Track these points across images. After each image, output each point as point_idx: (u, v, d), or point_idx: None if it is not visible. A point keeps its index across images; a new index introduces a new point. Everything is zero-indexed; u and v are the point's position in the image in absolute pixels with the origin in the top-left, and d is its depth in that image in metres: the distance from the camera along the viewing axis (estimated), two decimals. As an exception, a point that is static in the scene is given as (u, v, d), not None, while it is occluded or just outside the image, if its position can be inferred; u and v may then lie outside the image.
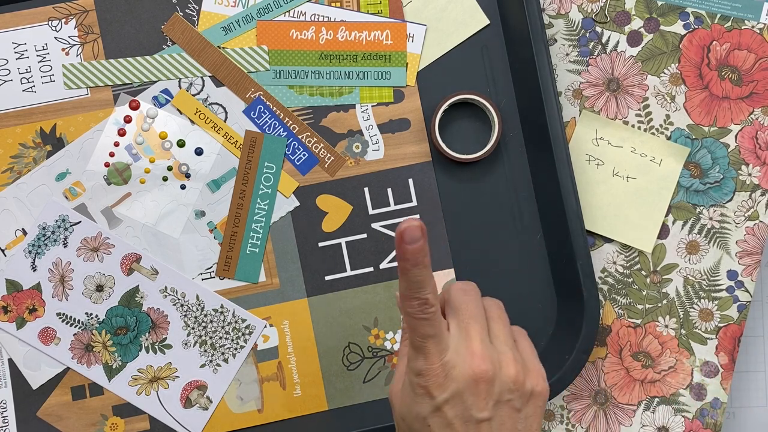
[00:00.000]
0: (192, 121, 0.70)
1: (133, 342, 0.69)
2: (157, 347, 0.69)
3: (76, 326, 0.69)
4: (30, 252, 0.69)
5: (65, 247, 0.69)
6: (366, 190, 0.71)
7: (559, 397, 0.71)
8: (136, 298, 0.69)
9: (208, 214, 0.70)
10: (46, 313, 0.69)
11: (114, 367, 0.69)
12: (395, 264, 0.70)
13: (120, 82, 0.70)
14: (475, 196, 0.71)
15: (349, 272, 0.70)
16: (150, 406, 0.69)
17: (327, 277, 0.70)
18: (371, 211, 0.71)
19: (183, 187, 0.70)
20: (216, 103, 0.70)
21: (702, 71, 0.72)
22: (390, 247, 0.70)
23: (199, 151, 0.70)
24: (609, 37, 0.72)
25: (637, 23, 0.72)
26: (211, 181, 0.70)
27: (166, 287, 0.69)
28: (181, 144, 0.70)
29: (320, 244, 0.70)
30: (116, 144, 0.70)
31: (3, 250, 0.69)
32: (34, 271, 0.69)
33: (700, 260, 0.71)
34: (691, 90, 0.72)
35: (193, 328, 0.69)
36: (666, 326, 0.71)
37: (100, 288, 0.69)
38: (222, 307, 0.70)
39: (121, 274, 0.69)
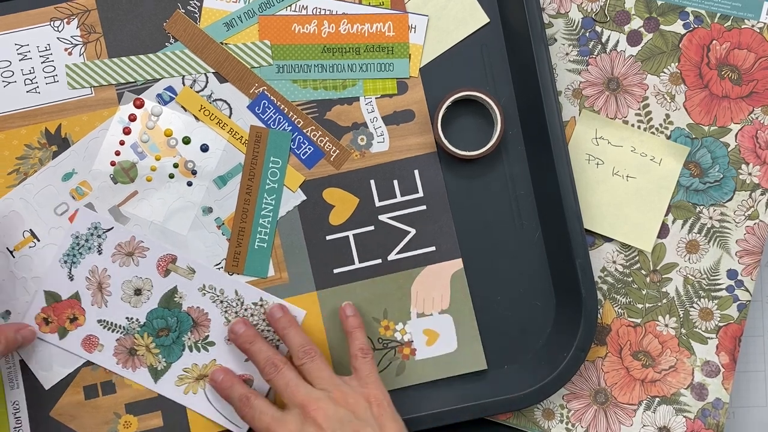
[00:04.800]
0: (197, 118, 0.70)
1: (176, 342, 0.69)
2: (200, 345, 0.69)
3: (117, 332, 0.69)
4: (66, 262, 0.69)
5: (100, 254, 0.69)
6: (372, 182, 0.71)
7: (558, 396, 0.72)
8: (175, 299, 0.69)
9: (215, 210, 0.70)
10: (87, 321, 0.69)
11: (159, 368, 0.69)
12: (403, 255, 0.70)
13: (124, 81, 0.70)
14: (475, 194, 0.71)
15: (357, 265, 0.71)
16: (198, 405, 0.69)
17: (335, 270, 0.70)
18: (378, 203, 0.71)
19: (189, 184, 0.70)
20: (220, 99, 0.70)
21: (702, 70, 0.72)
22: (398, 238, 0.71)
23: (204, 148, 0.70)
24: (609, 36, 0.72)
25: (636, 23, 0.72)
26: (217, 178, 0.70)
27: (204, 285, 0.69)
28: (186, 141, 0.70)
29: (328, 238, 0.70)
30: (122, 143, 0.70)
31: (11, 252, 0.69)
32: (72, 280, 0.69)
33: (700, 259, 0.72)
34: (690, 89, 0.72)
35: None
36: (666, 325, 0.71)
37: (138, 292, 0.69)
38: (261, 299, 0.70)
39: (158, 276, 0.69)
